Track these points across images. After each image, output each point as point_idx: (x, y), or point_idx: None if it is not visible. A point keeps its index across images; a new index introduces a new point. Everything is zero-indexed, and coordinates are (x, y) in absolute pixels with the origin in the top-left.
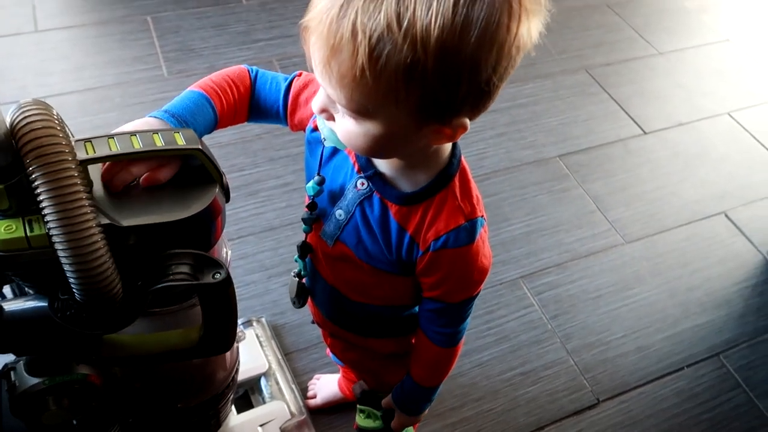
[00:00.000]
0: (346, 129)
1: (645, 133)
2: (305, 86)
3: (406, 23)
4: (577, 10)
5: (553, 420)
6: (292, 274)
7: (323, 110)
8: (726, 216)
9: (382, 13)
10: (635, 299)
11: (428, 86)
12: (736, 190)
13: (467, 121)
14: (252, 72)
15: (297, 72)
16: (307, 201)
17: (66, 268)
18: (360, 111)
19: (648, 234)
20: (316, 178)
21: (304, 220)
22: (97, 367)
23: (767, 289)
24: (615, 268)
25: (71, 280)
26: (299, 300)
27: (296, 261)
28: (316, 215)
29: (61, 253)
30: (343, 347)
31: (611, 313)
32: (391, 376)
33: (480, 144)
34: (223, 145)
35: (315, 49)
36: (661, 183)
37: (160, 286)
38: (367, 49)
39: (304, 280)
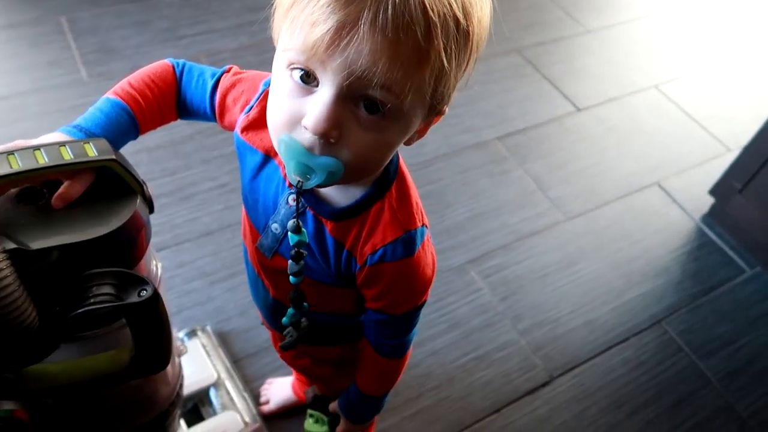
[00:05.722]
0: (364, 144)
1: (579, 110)
2: (233, 86)
3: (461, 3)
4: None
5: (509, 401)
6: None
7: (335, 128)
8: (659, 186)
9: None
10: (580, 274)
11: (448, 68)
12: (668, 160)
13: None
14: (177, 67)
15: (226, 67)
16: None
17: None
18: (400, 109)
19: (587, 209)
20: (291, 223)
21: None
22: (23, 401)
23: (702, 255)
24: (559, 246)
25: None
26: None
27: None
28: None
29: None
30: (292, 354)
31: (558, 290)
32: (341, 383)
33: None
34: (152, 149)
35: (358, 41)
36: (597, 158)
37: (80, 310)
38: (442, 31)
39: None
